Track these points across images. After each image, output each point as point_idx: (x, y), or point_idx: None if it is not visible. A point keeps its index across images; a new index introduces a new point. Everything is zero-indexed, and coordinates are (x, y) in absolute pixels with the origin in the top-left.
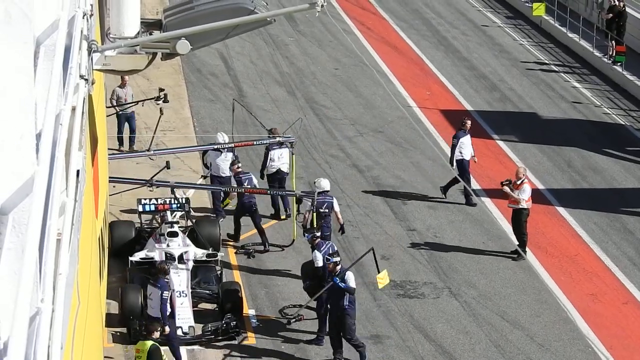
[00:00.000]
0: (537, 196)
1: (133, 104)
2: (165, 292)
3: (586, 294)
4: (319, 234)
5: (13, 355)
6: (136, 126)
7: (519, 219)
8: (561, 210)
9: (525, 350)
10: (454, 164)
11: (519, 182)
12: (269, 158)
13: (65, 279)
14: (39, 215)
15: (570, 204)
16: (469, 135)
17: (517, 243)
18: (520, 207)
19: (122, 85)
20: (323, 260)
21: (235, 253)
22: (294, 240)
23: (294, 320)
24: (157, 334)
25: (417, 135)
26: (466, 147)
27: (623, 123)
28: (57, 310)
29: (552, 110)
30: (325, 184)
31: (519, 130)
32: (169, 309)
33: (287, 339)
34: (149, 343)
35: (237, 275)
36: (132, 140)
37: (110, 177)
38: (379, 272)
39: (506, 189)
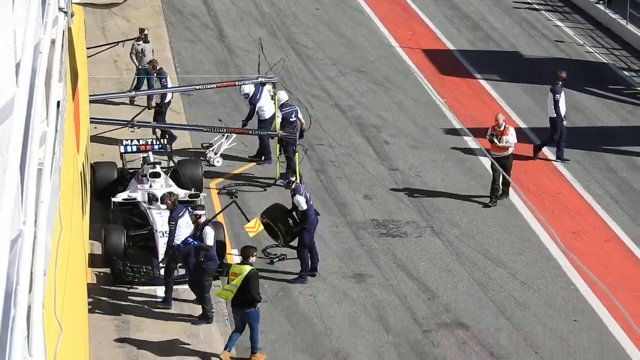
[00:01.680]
0: (520, 135)
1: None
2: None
3: (568, 231)
4: (294, 178)
5: None
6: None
7: (507, 162)
8: (544, 149)
9: (507, 288)
10: (559, 120)
11: (502, 129)
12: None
13: (47, 207)
14: (19, 138)
15: (552, 143)
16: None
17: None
18: (509, 153)
19: (141, 37)
20: (307, 202)
21: (218, 193)
22: (276, 180)
23: (276, 259)
24: (253, 259)
25: (399, 74)
26: (562, 102)
27: (606, 62)
28: (39, 234)
29: (535, 50)
30: (284, 95)
31: (501, 69)
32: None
33: (270, 278)
34: (248, 267)
35: (219, 215)
36: (149, 96)
37: (91, 118)
38: (248, 222)
39: (496, 141)
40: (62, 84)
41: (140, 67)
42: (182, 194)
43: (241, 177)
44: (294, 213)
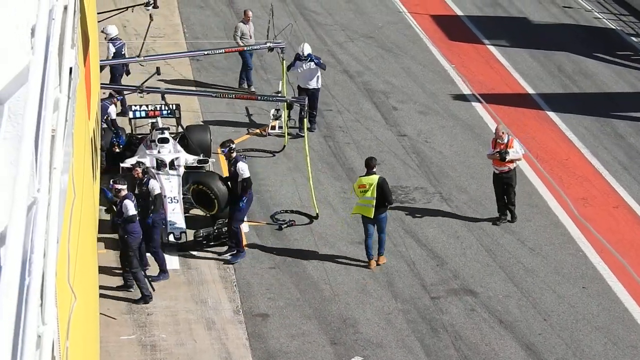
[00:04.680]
0: (528, 101)
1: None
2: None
3: (577, 198)
4: (234, 146)
5: (11, 244)
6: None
7: (511, 179)
8: (552, 114)
9: (516, 254)
10: None
11: (506, 141)
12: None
13: (60, 173)
14: (34, 105)
15: (560, 109)
16: None
17: (504, 215)
18: (515, 166)
19: (246, 20)
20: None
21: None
22: (284, 146)
23: (285, 225)
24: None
25: (408, 40)
26: None
27: (614, 27)
28: (52, 201)
29: (543, 15)
30: (308, 48)
31: (509, 34)
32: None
33: (277, 245)
34: (376, 176)
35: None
36: (249, 79)
37: (102, 84)
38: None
39: (509, 157)
40: (74, 50)
41: (246, 49)
42: (190, 159)
43: (250, 142)
44: (229, 183)
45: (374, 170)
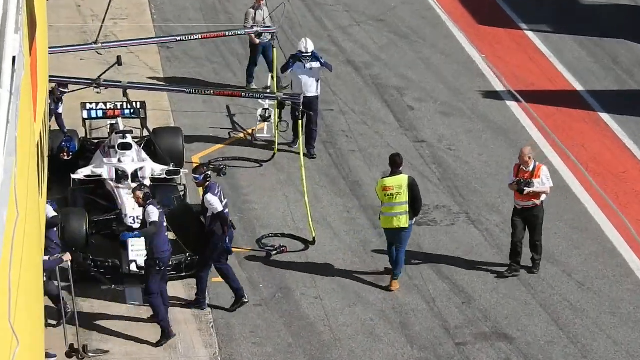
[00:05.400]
0: (576, 100)
1: None
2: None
3: (636, 219)
4: (209, 172)
5: None
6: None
7: (536, 218)
8: (605, 117)
9: (561, 290)
10: None
11: (531, 168)
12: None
13: (1, 187)
14: None
15: (616, 110)
16: None
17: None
18: (542, 201)
19: (257, 4)
20: (222, 204)
21: None
22: (274, 153)
23: (274, 252)
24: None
25: (427, 24)
26: None
27: None
28: None
29: None
30: (311, 44)
31: (552, 18)
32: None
33: (266, 276)
34: (404, 176)
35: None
36: (249, 76)
37: (50, 76)
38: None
39: (528, 189)
40: (18, 36)
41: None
42: (158, 170)
43: (232, 149)
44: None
45: (401, 169)
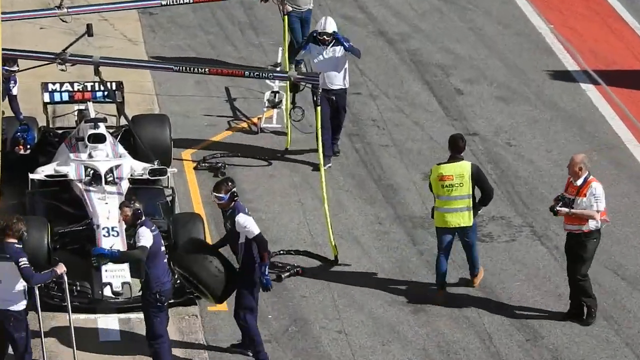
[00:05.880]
0: None
1: None
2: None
3: None
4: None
5: None
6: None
7: (581, 248)
8: None
9: None
10: None
11: (579, 183)
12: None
13: None
14: None
15: None
16: None
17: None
18: (591, 228)
19: None
20: None
21: (195, 168)
22: (286, 148)
23: (287, 274)
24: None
25: None
26: None
27: None
28: None
29: None
30: (332, 23)
31: None
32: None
33: (277, 305)
34: (466, 162)
35: (197, 203)
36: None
37: (3, 49)
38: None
39: (564, 210)
40: None
41: (292, 13)
42: (139, 168)
43: (233, 143)
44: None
45: (463, 155)
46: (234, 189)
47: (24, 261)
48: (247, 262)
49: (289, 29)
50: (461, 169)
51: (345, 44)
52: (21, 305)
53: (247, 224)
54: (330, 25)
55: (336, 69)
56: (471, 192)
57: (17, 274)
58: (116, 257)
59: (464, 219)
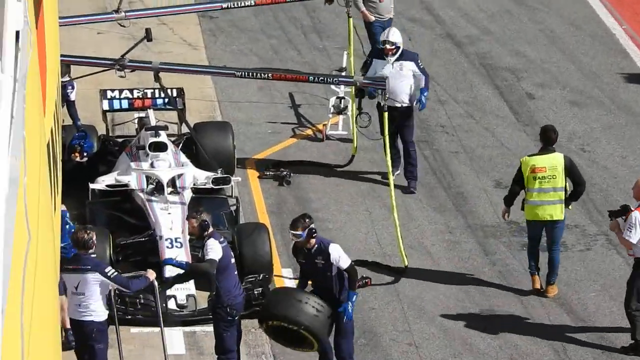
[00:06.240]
0: None
1: None
2: None
3: None
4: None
5: None
6: None
7: (636, 273)
8: None
9: None
10: None
11: (634, 206)
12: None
13: (4, 201)
14: None
15: None
16: None
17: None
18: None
19: None
20: None
21: (260, 177)
22: (353, 155)
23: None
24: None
25: None
26: None
27: None
28: None
29: None
30: (396, 34)
31: None
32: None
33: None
34: (560, 155)
35: (262, 212)
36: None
37: (61, 56)
38: None
39: (619, 222)
40: (22, 3)
41: (376, 23)
42: (202, 177)
43: (297, 151)
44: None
45: (554, 146)
46: (312, 225)
47: (111, 270)
48: (341, 293)
49: (372, 37)
50: (555, 161)
51: (418, 64)
52: (104, 316)
53: (342, 254)
54: (393, 35)
55: (400, 85)
56: (564, 185)
57: (98, 284)
58: (184, 269)
59: (555, 212)
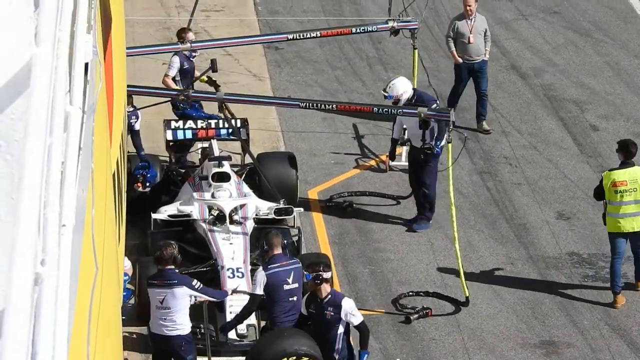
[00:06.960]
0: None
1: None
2: None
3: None
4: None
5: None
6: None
7: None
8: None
9: None
10: None
11: None
12: None
13: (71, 233)
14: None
15: None
16: None
17: None
18: None
19: (468, 12)
20: None
21: (322, 208)
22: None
23: (416, 316)
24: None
25: (617, 17)
26: None
27: None
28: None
29: None
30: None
31: None
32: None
33: (405, 346)
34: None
35: (324, 243)
36: (480, 115)
37: (128, 86)
38: None
39: None
40: (91, 36)
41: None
42: (264, 208)
43: (360, 181)
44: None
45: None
46: (325, 275)
47: (197, 283)
48: (340, 353)
49: (457, 79)
50: (635, 174)
51: (436, 108)
52: (189, 329)
53: (354, 310)
54: (391, 86)
55: (416, 129)
56: None
57: (182, 298)
58: (239, 320)
59: (637, 224)
